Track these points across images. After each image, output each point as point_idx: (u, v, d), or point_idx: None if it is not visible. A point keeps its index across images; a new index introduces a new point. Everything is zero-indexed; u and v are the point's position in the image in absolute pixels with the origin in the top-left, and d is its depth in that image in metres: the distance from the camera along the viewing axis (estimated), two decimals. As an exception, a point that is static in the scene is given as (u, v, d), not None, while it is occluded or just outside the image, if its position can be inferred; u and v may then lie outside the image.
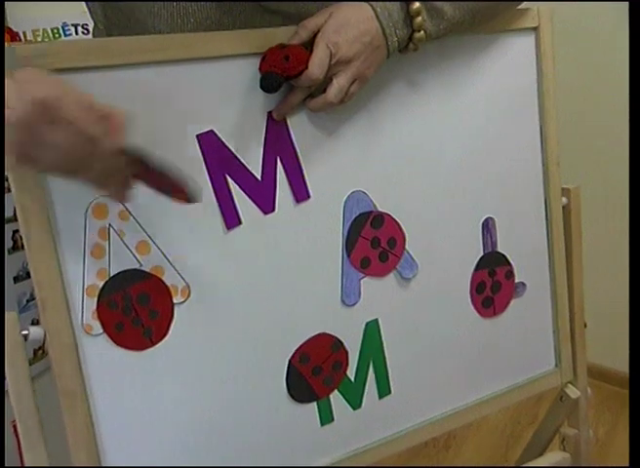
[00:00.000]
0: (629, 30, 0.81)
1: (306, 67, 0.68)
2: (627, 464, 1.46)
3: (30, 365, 0.68)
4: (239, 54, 0.71)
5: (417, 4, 0.71)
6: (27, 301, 1.05)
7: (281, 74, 0.68)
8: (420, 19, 0.71)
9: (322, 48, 0.68)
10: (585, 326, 1.04)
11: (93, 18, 0.79)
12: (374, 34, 0.70)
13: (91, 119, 0.53)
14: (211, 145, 0.71)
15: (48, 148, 0.52)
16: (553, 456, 1.07)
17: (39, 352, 1.11)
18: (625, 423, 1.62)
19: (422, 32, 0.73)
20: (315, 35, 0.70)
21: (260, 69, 0.70)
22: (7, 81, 0.51)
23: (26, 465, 0.67)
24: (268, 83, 0.69)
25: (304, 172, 0.77)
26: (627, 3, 1.03)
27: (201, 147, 0.71)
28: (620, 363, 1.73)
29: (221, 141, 0.72)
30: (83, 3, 0.78)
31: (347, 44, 0.69)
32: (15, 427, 0.78)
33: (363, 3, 0.71)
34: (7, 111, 0.49)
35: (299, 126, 0.76)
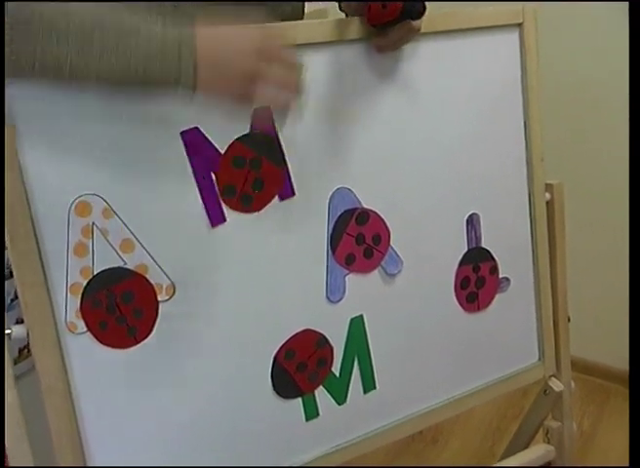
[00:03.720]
0: (629, 30, 0.81)
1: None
2: (612, 454, 1.49)
3: (16, 364, 0.67)
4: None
5: None
6: (12, 300, 1.04)
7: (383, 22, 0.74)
8: None
9: None
10: (569, 320, 1.05)
11: None
12: None
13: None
14: (195, 143, 0.71)
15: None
16: (538, 449, 1.08)
17: (24, 351, 1.11)
18: (609, 415, 1.64)
19: None
20: None
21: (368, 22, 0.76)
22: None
23: (9, 465, 0.66)
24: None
25: (290, 169, 0.77)
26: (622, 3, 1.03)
27: (185, 145, 0.71)
28: (605, 356, 1.75)
29: (206, 139, 0.72)
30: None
31: None
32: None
33: None
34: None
35: (284, 123, 0.75)
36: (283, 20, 0.80)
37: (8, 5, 0.52)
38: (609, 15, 1.46)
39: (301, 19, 0.88)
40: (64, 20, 0.53)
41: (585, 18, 1.51)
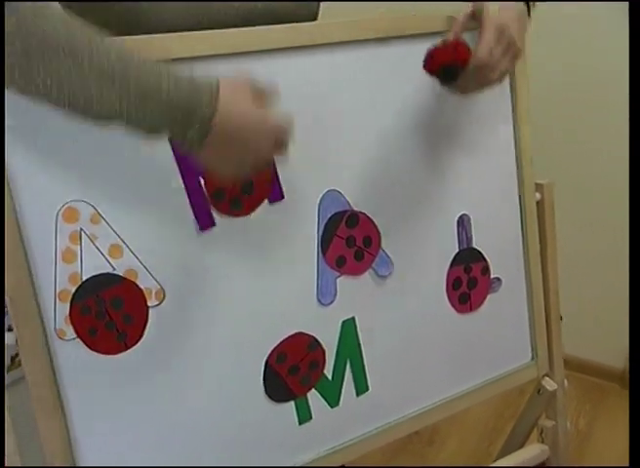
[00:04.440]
0: (629, 30, 0.81)
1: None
2: (609, 453, 1.49)
3: (8, 371, 0.67)
4: (215, 54, 0.70)
5: None
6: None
7: (455, 65, 0.73)
8: None
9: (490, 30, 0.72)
10: (562, 319, 1.05)
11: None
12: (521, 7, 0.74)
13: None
14: (183, 147, 0.71)
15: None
16: (532, 449, 1.08)
17: (16, 359, 1.10)
18: (605, 414, 1.65)
19: None
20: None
21: (428, 68, 0.76)
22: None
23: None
24: (448, 74, 0.75)
25: (279, 172, 0.77)
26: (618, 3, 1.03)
27: (174, 149, 0.71)
28: (601, 355, 1.76)
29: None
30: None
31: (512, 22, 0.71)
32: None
33: None
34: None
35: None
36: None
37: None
38: (609, 15, 1.47)
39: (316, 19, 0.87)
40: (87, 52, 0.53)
41: (585, 18, 1.52)
